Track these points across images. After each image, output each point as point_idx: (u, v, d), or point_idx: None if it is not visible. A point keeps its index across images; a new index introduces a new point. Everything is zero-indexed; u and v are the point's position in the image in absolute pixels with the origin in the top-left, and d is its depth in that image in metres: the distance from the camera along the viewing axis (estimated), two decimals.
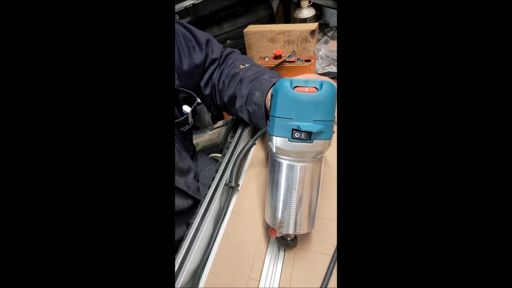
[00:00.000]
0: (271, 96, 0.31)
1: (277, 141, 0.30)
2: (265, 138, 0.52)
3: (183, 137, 0.54)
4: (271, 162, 0.33)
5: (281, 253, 0.36)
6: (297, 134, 0.29)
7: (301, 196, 0.31)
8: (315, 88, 0.28)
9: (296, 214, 0.31)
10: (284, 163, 0.31)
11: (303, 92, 0.28)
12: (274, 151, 0.31)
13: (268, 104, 0.40)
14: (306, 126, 0.28)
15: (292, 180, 0.31)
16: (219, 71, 0.55)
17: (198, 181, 0.56)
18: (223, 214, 0.41)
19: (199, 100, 0.56)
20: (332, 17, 0.94)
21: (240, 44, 0.88)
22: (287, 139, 0.29)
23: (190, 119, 0.52)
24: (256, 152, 0.51)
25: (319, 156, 0.31)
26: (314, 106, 0.28)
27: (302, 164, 0.30)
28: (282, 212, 0.32)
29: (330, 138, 0.30)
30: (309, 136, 0.29)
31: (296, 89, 0.28)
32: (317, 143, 0.29)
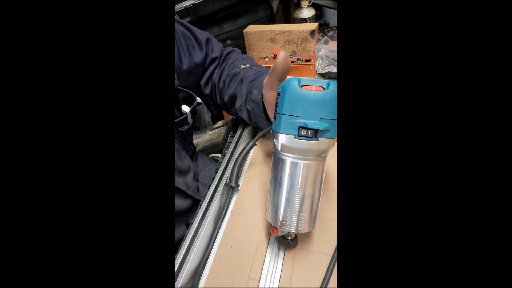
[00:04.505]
0: (278, 94, 0.31)
1: (283, 139, 0.30)
2: (265, 139, 0.52)
3: (182, 137, 0.54)
4: (275, 160, 0.33)
5: (281, 253, 0.36)
6: (303, 132, 0.29)
7: (304, 194, 0.31)
8: (322, 87, 0.29)
9: (299, 212, 0.31)
10: (288, 160, 0.31)
11: (311, 90, 0.29)
12: (279, 148, 0.31)
13: (266, 101, 0.40)
14: (313, 123, 0.29)
15: (295, 177, 0.31)
16: (220, 70, 0.55)
17: (197, 181, 0.56)
18: (223, 214, 0.41)
19: (199, 100, 0.56)
20: (332, 17, 0.94)
21: (240, 44, 0.88)
22: (293, 136, 0.30)
23: (189, 119, 0.52)
24: (256, 152, 0.51)
25: (323, 155, 0.31)
26: (321, 105, 0.29)
27: (305, 162, 0.31)
28: (285, 210, 0.32)
29: (334, 137, 0.30)
30: (315, 134, 0.29)
31: (303, 87, 0.29)
32: (323, 141, 0.30)
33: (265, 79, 0.38)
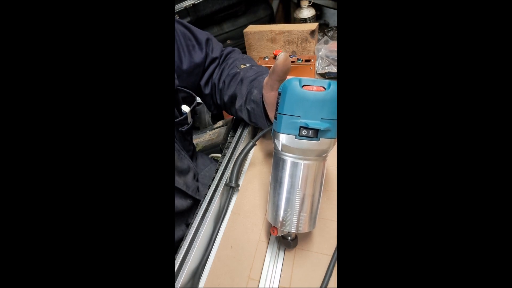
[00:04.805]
0: (278, 94, 0.31)
1: (284, 139, 0.30)
2: (265, 139, 0.52)
3: (182, 137, 0.54)
4: (275, 160, 0.33)
5: (281, 253, 0.36)
6: (304, 132, 0.29)
7: (304, 194, 0.31)
8: (323, 87, 0.29)
9: (299, 212, 0.31)
10: (289, 160, 0.31)
11: (312, 90, 0.29)
12: (279, 148, 0.31)
13: (266, 101, 0.40)
14: (314, 123, 0.29)
15: (296, 177, 0.31)
16: (220, 70, 0.55)
17: (197, 181, 0.56)
18: (223, 214, 0.41)
19: (199, 100, 0.56)
20: (332, 17, 0.94)
21: (240, 44, 0.88)
22: (294, 136, 0.30)
23: (189, 119, 0.52)
24: (256, 152, 0.51)
25: (323, 155, 0.31)
26: (321, 105, 0.29)
27: (306, 162, 0.31)
28: (285, 210, 0.32)
29: (335, 137, 0.30)
30: (316, 134, 0.29)
31: (304, 87, 0.29)
32: (323, 141, 0.30)
33: (265, 80, 0.38)
